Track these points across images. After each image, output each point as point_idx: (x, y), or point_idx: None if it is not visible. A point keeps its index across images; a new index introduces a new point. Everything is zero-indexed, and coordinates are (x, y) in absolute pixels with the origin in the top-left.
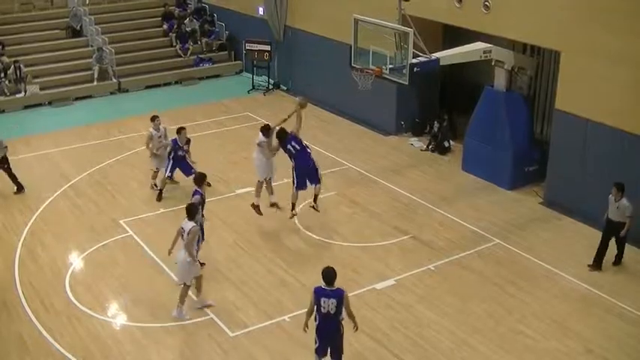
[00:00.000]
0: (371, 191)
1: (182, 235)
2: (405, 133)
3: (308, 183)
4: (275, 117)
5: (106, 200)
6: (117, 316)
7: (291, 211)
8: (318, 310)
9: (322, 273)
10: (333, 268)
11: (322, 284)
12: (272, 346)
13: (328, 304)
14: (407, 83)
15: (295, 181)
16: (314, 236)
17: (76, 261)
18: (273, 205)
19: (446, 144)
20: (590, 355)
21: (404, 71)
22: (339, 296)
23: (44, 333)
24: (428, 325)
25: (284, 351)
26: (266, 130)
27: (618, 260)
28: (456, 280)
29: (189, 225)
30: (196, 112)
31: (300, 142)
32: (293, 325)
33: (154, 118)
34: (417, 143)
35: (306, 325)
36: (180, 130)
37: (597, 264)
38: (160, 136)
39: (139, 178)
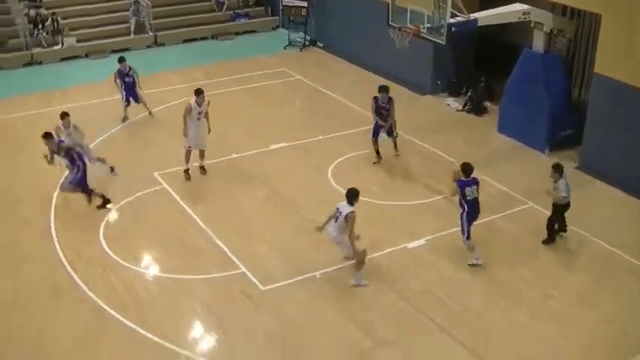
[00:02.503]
0: (404, 150)
1: (337, 216)
2: (441, 93)
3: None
4: (310, 73)
5: (140, 153)
6: (149, 266)
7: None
8: (465, 198)
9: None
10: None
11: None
12: (302, 301)
13: (472, 191)
14: (444, 43)
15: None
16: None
17: (111, 212)
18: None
19: (483, 105)
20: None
21: (441, 31)
22: (478, 182)
23: (78, 282)
24: (458, 286)
25: (314, 306)
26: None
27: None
28: (487, 242)
29: (347, 209)
30: (232, 68)
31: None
32: (324, 281)
33: (198, 92)
34: (454, 103)
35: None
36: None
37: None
38: (200, 112)
39: (172, 131)
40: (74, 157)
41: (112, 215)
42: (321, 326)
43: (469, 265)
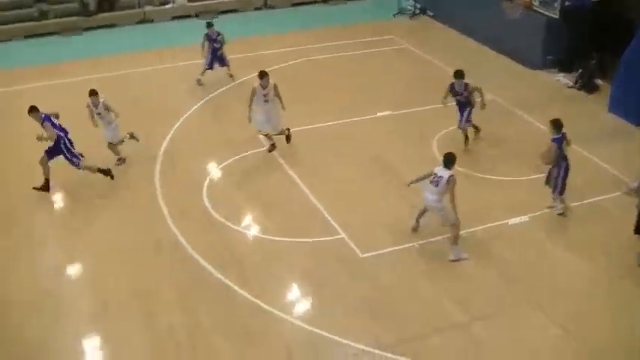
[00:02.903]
0: (511, 125)
1: (433, 181)
2: (551, 69)
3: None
4: (419, 42)
5: (245, 114)
6: (250, 227)
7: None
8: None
9: None
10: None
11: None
12: (399, 271)
13: (565, 146)
14: (557, 17)
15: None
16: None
17: (215, 171)
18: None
19: (594, 82)
20: None
21: (555, 4)
22: (566, 137)
23: (180, 239)
24: (561, 265)
25: (410, 277)
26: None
27: None
28: (591, 223)
29: (446, 173)
30: (340, 33)
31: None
32: (422, 252)
33: (262, 75)
34: (564, 79)
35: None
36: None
37: None
38: (266, 95)
39: (281, 93)
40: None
41: (216, 175)
42: (416, 298)
43: (557, 215)
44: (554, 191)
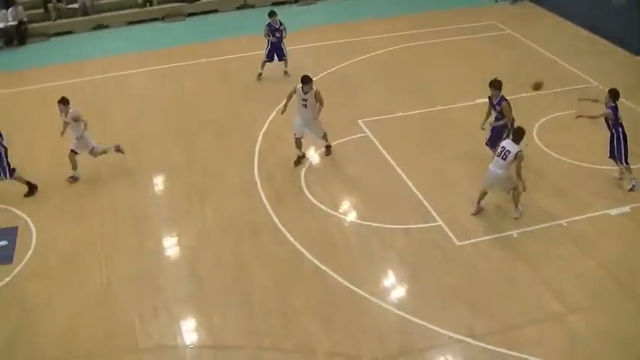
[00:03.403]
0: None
1: (501, 154)
2: None
3: None
4: (520, 28)
5: (345, 99)
6: (347, 212)
7: None
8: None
9: None
10: None
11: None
12: (495, 260)
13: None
14: None
15: None
16: (551, 153)
17: (313, 156)
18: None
19: None
20: None
21: None
22: None
23: (276, 221)
24: None
25: (507, 266)
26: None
27: None
28: None
29: (515, 147)
30: (439, 18)
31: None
32: (520, 241)
33: (305, 80)
34: None
35: None
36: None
37: None
38: (305, 100)
39: (380, 79)
40: None
41: (315, 160)
42: (512, 287)
43: (628, 190)
44: (619, 161)
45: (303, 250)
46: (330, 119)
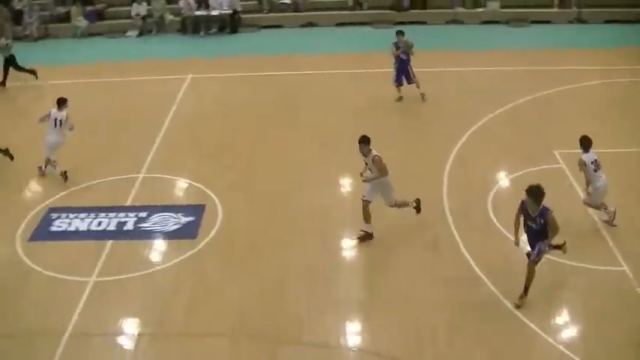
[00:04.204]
0: None
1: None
2: None
3: None
4: None
5: (543, 127)
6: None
7: None
8: None
9: None
10: None
11: None
12: None
13: None
14: None
15: None
16: None
17: (504, 180)
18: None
19: None
20: None
21: None
22: None
23: (457, 239)
24: None
25: None
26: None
27: None
28: None
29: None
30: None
31: None
32: None
33: (361, 140)
34: None
35: None
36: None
37: None
38: (367, 164)
39: (586, 111)
40: None
41: (505, 183)
42: None
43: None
44: None
45: (477, 270)
46: (524, 146)
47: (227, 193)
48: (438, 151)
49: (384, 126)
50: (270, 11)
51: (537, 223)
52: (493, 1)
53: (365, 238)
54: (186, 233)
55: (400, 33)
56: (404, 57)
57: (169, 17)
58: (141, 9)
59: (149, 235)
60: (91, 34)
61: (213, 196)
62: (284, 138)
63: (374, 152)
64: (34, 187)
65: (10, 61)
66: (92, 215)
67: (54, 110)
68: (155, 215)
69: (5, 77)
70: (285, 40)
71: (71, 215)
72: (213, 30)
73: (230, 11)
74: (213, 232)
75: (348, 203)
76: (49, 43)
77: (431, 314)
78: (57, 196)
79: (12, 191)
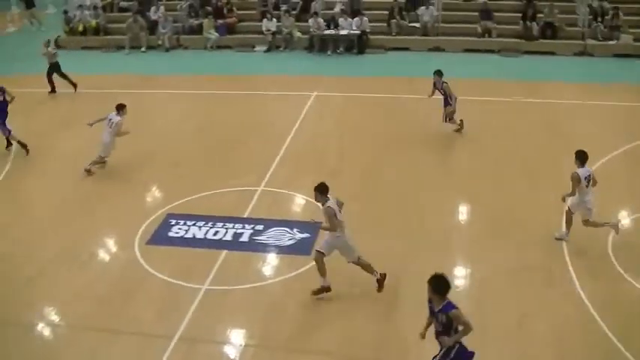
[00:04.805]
0: None
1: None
2: None
3: None
4: None
5: None
6: None
7: None
8: None
9: None
10: None
11: None
12: None
13: None
14: None
15: None
16: None
17: (626, 220)
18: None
19: None
20: None
21: None
22: None
23: (573, 274)
24: None
25: None
26: None
27: None
28: None
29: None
30: None
31: None
32: None
33: (316, 189)
34: None
35: None
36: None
37: None
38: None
39: None
40: None
41: (627, 223)
42: None
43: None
44: None
45: (592, 310)
46: None
47: (344, 211)
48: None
49: (508, 152)
50: (398, 34)
51: (439, 320)
52: (627, 35)
53: (320, 291)
54: (300, 249)
55: (439, 72)
56: (443, 96)
57: (298, 34)
58: (271, 25)
59: (264, 248)
60: (221, 47)
61: None
62: (405, 161)
63: (329, 203)
64: (155, 192)
65: (55, 68)
66: (209, 224)
67: (113, 114)
68: (271, 229)
69: (52, 84)
70: (411, 64)
71: (189, 222)
72: (341, 49)
73: (358, 32)
74: None
75: (466, 236)
76: (179, 54)
77: (541, 351)
78: (176, 203)
79: (133, 196)
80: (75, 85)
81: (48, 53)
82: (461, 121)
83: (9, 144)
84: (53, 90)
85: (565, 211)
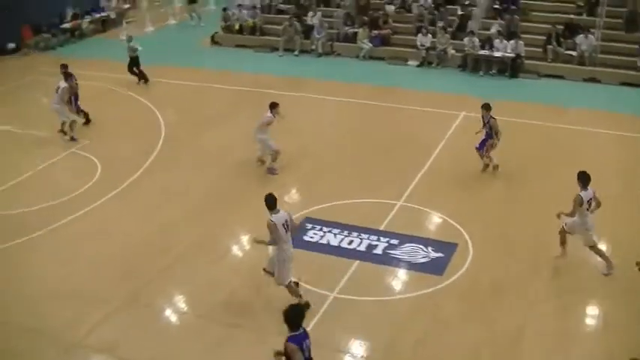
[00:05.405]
0: None
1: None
2: None
3: None
4: None
5: None
6: None
7: None
8: None
9: None
10: None
11: None
12: None
13: None
14: None
15: None
16: None
17: None
18: None
19: None
20: None
21: None
22: None
23: None
24: None
25: None
26: None
27: None
28: None
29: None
30: None
31: None
32: None
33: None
34: None
35: None
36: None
37: None
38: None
39: None
40: None
41: None
42: None
43: None
44: None
45: None
46: None
47: (481, 236)
48: None
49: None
50: (553, 60)
51: None
52: None
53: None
54: (432, 268)
55: (483, 107)
56: (487, 130)
57: (452, 52)
58: (425, 40)
59: (396, 262)
60: (373, 57)
61: (466, 236)
62: (544, 190)
63: (270, 217)
64: (295, 195)
65: (135, 62)
66: (345, 232)
67: (268, 113)
68: (406, 245)
69: (140, 74)
70: (564, 92)
71: (325, 228)
72: (493, 71)
73: (513, 55)
74: (459, 273)
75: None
76: (331, 60)
77: None
78: (315, 207)
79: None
80: (147, 80)
81: (129, 48)
82: (496, 165)
83: (87, 120)
84: (143, 80)
85: (559, 231)
